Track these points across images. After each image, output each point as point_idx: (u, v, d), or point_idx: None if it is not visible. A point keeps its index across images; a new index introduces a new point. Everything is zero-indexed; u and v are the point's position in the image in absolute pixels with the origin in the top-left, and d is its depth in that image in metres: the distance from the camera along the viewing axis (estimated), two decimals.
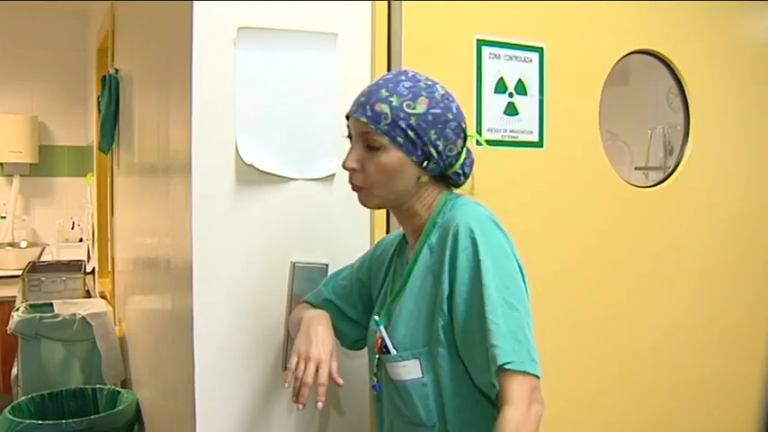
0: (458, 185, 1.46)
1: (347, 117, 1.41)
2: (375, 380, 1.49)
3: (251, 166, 1.66)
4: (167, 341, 2.11)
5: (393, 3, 1.82)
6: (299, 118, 1.71)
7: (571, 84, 2.06)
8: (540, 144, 2.02)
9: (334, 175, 1.73)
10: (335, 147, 1.70)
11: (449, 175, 1.42)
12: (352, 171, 1.40)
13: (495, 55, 1.94)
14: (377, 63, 1.80)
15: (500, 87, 1.95)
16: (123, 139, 3.28)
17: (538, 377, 1.25)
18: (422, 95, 1.34)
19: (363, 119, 1.34)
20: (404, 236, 1.54)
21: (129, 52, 3.05)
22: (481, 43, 1.92)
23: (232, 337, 1.67)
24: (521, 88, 1.99)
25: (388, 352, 1.41)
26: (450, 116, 1.36)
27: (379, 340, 1.43)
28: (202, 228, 1.64)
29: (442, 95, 1.37)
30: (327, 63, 1.74)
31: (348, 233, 1.76)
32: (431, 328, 1.35)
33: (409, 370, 1.38)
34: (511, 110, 1.97)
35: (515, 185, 1.95)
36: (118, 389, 3.06)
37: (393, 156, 1.34)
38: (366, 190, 1.40)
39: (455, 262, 1.31)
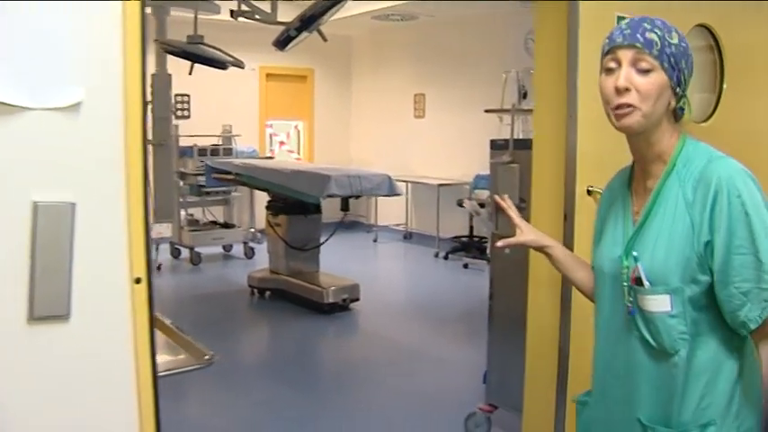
0: (678, 119, 1.70)
1: (609, 50, 1.65)
2: (629, 305, 1.70)
3: None
4: None
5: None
6: (35, 42, 1.53)
7: None
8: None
9: (79, 104, 1.56)
10: (79, 74, 1.54)
11: (676, 109, 1.68)
12: (624, 91, 1.61)
13: None
14: None
15: None
16: None
17: None
18: (673, 31, 1.64)
19: (639, 44, 1.60)
20: (632, 168, 1.80)
21: None
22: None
23: None
24: None
25: (642, 284, 1.65)
26: (690, 51, 1.67)
27: (635, 273, 1.66)
28: None
29: (681, 33, 1.67)
30: None
31: (97, 168, 1.61)
32: (684, 266, 1.61)
33: (659, 303, 1.63)
34: None
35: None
36: None
37: (660, 77, 1.60)
38: (634, 109, 1.61)
39: (720, 213, 1.56)
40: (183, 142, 8.95)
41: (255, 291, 7.22)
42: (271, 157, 10.54)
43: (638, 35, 1.61)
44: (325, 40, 5.95)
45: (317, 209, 6.98)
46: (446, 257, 8.98)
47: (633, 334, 1.70)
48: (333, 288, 6.56)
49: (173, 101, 9.73)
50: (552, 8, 2.87)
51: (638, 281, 1.66)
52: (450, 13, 9.13)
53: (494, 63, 8.40)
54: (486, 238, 8.61)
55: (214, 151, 8.92)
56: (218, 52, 6.72)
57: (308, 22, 5.56)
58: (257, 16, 6.16)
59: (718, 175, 1.58)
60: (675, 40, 1.63)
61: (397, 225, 10.57)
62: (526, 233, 2.02)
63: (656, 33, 1.61)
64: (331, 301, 6.49)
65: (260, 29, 6.58)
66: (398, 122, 10.69)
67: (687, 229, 1.61)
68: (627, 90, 1.61)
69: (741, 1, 3.35)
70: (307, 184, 6.22)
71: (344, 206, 6.56)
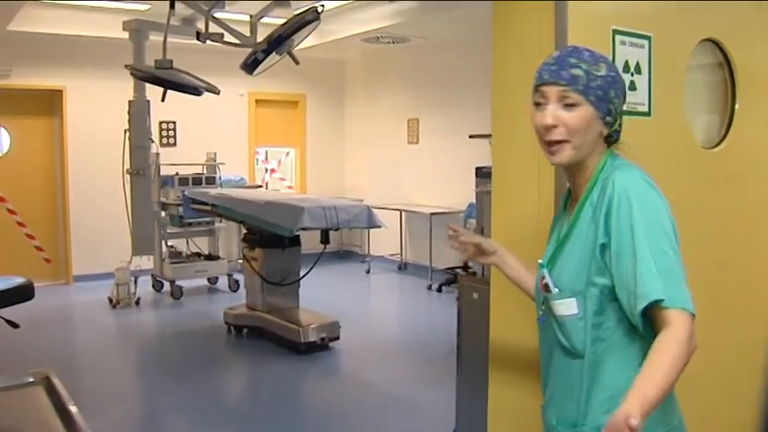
0: (612, 143, 1.80)
1: (537, 87, 1.74)
2: (540, 313, 1.88)
3: None
4: None
5: (558, 3, 2.32)
6: None
7: (665, 65, 2.60)
8: (648, 114, 2.56)
9: None
10: None
11: (611, 134, 1.77)
12: (552, 127, 1.71)
13: (623, 41, 2.45)
14: None
15: (625, 68, 2.45)
16: None
17: (693, 314, 1.56)
18: (601, 62, 1.73)
19: (563, 82, 1.69)
20: (569, 191, 1.89)
21: None
22: (615, 32, 2.43)
23: None
24: (638, 69, 2.50)
25: (551, 291, 1.79)
26: (620, 79, 1.76)
27: (543, 280, 1.81)
28: None
29: (611, 62, 1.78)
30: None
31: None
32: (586, 269, 1.71)
33: (567, 307, 1.75)
34: (632, 86, 2.46)
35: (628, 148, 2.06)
36: None
37: (586, 110, 1.69)
38: (564, 144, 1.71)
39: (610, 214, 1.65)
40: (168, 171, 8.61)
41: (232, 328, 6.82)
42: (260, 186, 10.21)
43: (563, 72, 1.70)
44: (296, 62, 5.60)
45: (295, 241, 6.59)
46: (439, 290, 8.56)
47: (555, 338, 1.81)
48: (311, 326, 6.16)
49: (156, 128, 9.48)
50: (526, 8, 2.50)
51: (547, 287, 1.81)
52: (443, 36, 8.78)
53: (489, 86, 8.01)
54: None
55: (196, 180, 8.57)
56: (189, 77, 6.37)
57: (275, 43, 5.21)
58: (234, 39, 5.82)
59: (614, 181, 1.68)
60: (602, 72, 1.71)
61: (392, 255, 10.16)
62: (482, 239, 2.13)
63: (580, 69, 1.69)
64: (309, 340, 6.08)
65: (272, 57, 6.15)
66: (392, 148, 10.33)
67: (591, 235, 1.72)
68: (555, 126, 1.71)
69: (752, 6, 2.98)
70: (280, 216, 5.84)
71: (324, 238, 6.17)
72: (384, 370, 5.86)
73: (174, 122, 9.75)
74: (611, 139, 1.78)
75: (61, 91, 9.02)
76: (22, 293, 4.02)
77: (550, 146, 1.73)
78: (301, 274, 6.64)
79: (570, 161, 1.74)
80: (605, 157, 1.77)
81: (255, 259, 6.61)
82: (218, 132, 10.01)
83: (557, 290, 1.77)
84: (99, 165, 8.76)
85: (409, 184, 10.03)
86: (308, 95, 10.99)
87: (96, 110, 9.01)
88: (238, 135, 10.36)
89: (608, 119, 1.73)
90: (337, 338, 6.28)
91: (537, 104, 1.75)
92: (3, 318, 6.36)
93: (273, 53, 5.49)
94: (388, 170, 10.45)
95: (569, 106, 1.69)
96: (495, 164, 2.67)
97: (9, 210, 8.96)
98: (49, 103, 9.15)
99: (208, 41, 5.80)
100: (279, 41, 5.19)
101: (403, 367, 5.92)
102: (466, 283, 3.30)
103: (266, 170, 11.04)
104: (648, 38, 2.54)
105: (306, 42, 9.59)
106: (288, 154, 11.17)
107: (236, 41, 5.77)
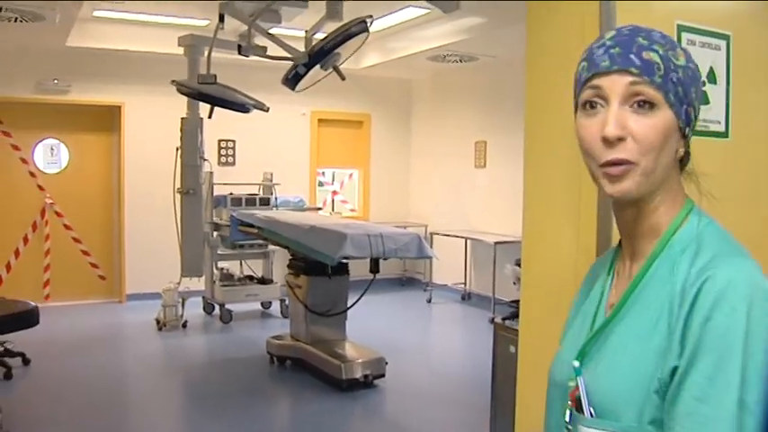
0: (682, 168, 1.20)
1: (588, 80, 1.14)
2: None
3: None
4: None
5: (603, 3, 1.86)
6: None
7: (748, 73, 2.05)
8: (725, 134, 2.04)
9: None
10: None
11: (683, 156, 1.18)
12: (617, 141, 1.10)
13: (692, 41, 1.95)
14: None
15: None
16: None
17: None
18: (677, 46, 1.16)
19: (634, 69, 1.10)
20: (619, 246, 1.27)
21: None
22: (681, 29, 1.92)
23: None
24: (711, 77, 1.99)
25: (582, 410, 1.13)
26: (699, 74, 1.19)
27: (575, 391, 1.15)
28: None
29: (687, 51, 1.17)
30: None
31: None
32: (645, 397, 1.06)
33: None
34: (704, 98, 1.93)
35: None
36: None
37: (666, 116, 1.11)
38: (631, 166, 1.10)
39: (694, 330, 1.02)
40: (223, 190, 8.35)
41: (275, 358, 6.44)
42: (320, 208, 9.88)
43: (632, 55, 1.11)
44: (342, 78, 5.19)
45: (342, 269, 6.18)
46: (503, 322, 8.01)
47: None
48: (354, 362, 5.73)
49: (215, 146, 9.27)
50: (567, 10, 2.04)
51: (579, 404, 1.14)
52: (513, 54, 8.27)
53: None
54: None
55: (249, 201, 8.26)
56: (236, 94, 6.07)
57: (317, 57, 4.84)
58: (284, 54, 5.48)
59: (714, 278, 1.04)
60: (682, 60, 1.14)
61: (456, 284, 9.66)
62: None
63: (656, 52, 1.11)
64: (351, 377, 5.65)
65: (318, 72, 5.81)
66: (458, 172, 9.85)
67: (663, 345, 1.07)
68: (620, 140, 1.10)
69: None
70: (322, 243, 5.44)
71: (374, 267, 5.72)
72: (431, 414, 5.37)
73: (234, 141, 9.53)
74: (682, 163, 1.21)
75: (120, 107, 8.88)
76: (26, 319, 3.70)
77: (610, 167, 1.11)
78: (349, 304, 6.22)
79: (638, 193, 1.13)
80: (687, 208, 1.17)
81: (300, 287, 6.23)
82: (279, 152, 9.74)
83: (592, 412, 1.12)
84: (154, 182, 8.56)
85: (475, 210, 9.53)
86: (373, 115, 10.62)
87: (153, 127, 8.85)
88: (300, 155, 10.07)
89: (687, 131, 1.15)
90: (382, 376, 5.82)
91: (587, 106, 1.15)
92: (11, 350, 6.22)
93: (318, 68, 5.12)
94: (453, 195, 9.98)
95: (643, 108, 1.10)
96: (527, 195, 2.20)
97: (65, 225, 8.87)
98: (108, 119, 9.03)
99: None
100: (321, 55, 4.81)
101: (454, 412, 5.40)
102: (502, 333, 2.82)
103: (327, 192, 10.70)
104: (727, 37, 2.02)
105: (370, 60, 9.32)
106: (351, 176, 10.81)
107: (283, 56, 5.41)
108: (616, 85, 1.11)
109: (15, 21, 6.86)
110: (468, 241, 9.24)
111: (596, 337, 1.18)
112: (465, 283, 9.56)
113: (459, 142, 9.78)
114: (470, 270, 9.53)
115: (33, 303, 3.84)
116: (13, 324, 3.75)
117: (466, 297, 9.55)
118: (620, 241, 1.27)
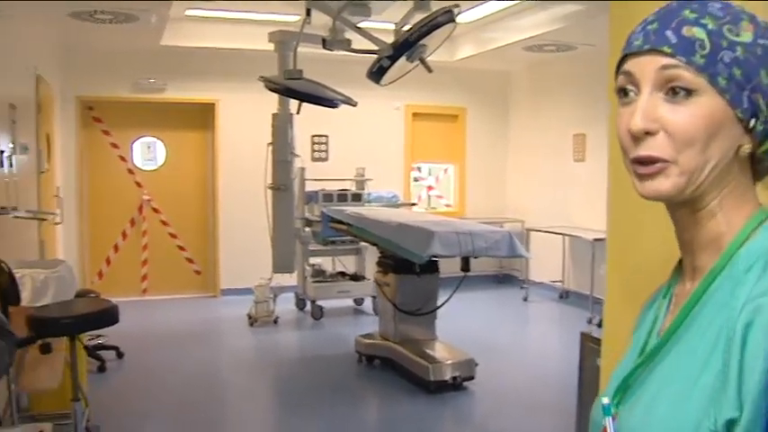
0: (761, 176, 0.98)
1: (622, 60, 0.97)
2: None
3: None
4: None
5: None
6: None
7: None
8: None
9: None
10: None
11: (759, 155, 0.95)
12: (644, 135, 0.92)
13: None
14: None
15: None
16: None
17: None
18: (743, 19, 0.92)
19: (667, 48, 0.91)
20: (679, 263, 1.06)
21: None
22: None
23: None
24: None
25: None
26: None
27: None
28: None
29: (763, 24, 0.94)
30: None
31: None
32: None
33: None
34: None
35: None
36: None
37: (711, 104, 0.89)
38: (665, 165, 0.91)
39: (753, 371, 0.79)
40: (316, 186, 8.31)
41: (363, 357, 6.34)
42: (414, 204, 9.73)
43: (670, 32, 0.91)
44: (429, 70, 5.02)
45: (432, 267, 6.00)
46: (599, 325, 7.66)
47: None
48: (443, 363, 5.56)
49: (308, 142, 9.25)
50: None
51: None
52: None
53: None
54: None
55: (341, 197, 8.19)
56: (323, 89, 5.98)
57: (401, 49, 4.67)
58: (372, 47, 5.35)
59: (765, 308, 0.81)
60: (747, 37, 0.91)
61: (553, 282, 9.34)
62: None
63: (702, 27, 0.90)
64: (439, 378, 5.48)
65: (405, 65, 5.70)
66: (557, 166, 9.51)
67: (715, 385, 0.84)
68: (649, 134, 0.91)
69: None
70: (410, 241, 5.29)
71: (465, 266, 5.54)
72: (521, 420, 5.15)
73: (327, 136, 9.49)
74: (761, 165, 0.97)
75: (214, 104, 8.98)
76: (106, 318, 3.70)
77: (640, 165, 0.94)
78: (439, 303, 6.04)
79: (676, 195, 0.94)
80: (757, 218, 0.95)
81: (388, 285, 6.10)
82: (373, 147, 9.64)
83: None
84: (247, 178, 8.60)
85: (573, 206, 9.18)
86: (469, 108, 10.39)
87: (246, 123, 8.90)
88: (394, 150, 9.94)
89: (755, 124, 0.92)
90: (472, 378, 5.63)
91: (621, 94, 0.97)
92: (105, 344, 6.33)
93: (405, 61, 4.96)
94: (551, 189, 9.65)
95: (678, 96, 0.91)
96: (612, 195, 1.99)
97: (162, 221, 9.02)
98: (203, 116, 9.14)
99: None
100: (405, 47, 4.65)
101: (545, 418, 5.16)
102: (589, 344, 2.59)
103: (421, 187, 10.54)
104: None
105: (465, 52, 9.09)
106: (446, 170, 10.62)
107: (368, 49, 5.28)
108: (646, 68, 0.93)
109: (110, 22, 6.99)
110: (566, 238, 8.91)
111: (640, 368, 0.99)
112: (563, 281, 9.23)
113: (558, 135, 9.45)
114: (568, 268, 9.19)
115: (113, 301, 3.82)
116: (92, 323, 3.75)
117: (564, 296, 9.23)
118: (680, 259, 1.06)
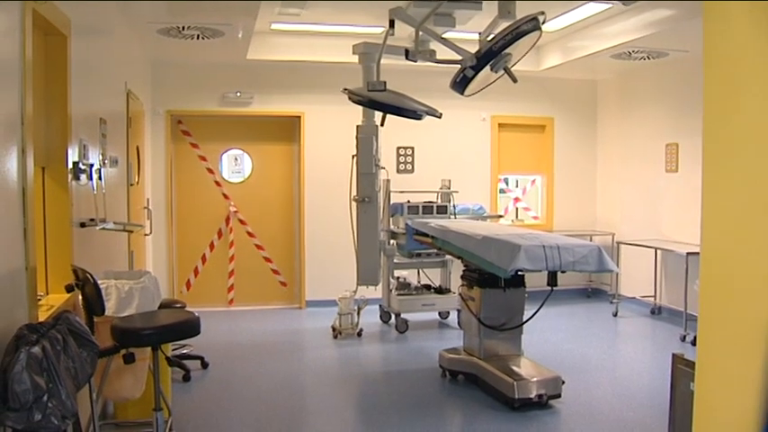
0: None
1: None
2: None
3: None
4: None
5: None
6: None
7: None
8: None
9: None
10: None
11: None
12: None
13: None
14: None
15: None
16: None
17: None
18: None
19: None
20: None
21: None
22: None
23: None
24: None
25: None
26: None
27: None
28: None
29: None
30: None
31: None
32: None
33: None
34: None
35: None
36: None
37: None
38: None
39: None
40: (401, 198, 8.28)
41: (447, 372, 6.24)
42: (501, 216, 9.58)
43: None
44: (514, 80, 4.92)
45: (518, 281, 5.87)
46: (694, 343, 7.36)
47: None
48: (528, 381, 5.42)
49: (394, 153, 9.22)
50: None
51: None
52: None
53: None
54: None
55: (427, 209, 8.12)
56: (407, 100, 5.94)
57: (484, 59, 4.59)
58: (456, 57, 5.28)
59: None
60: None
61: (645, 297, 9.04)
62: None
63: None
64: (524, 396, 5.34)
65: (490, 75, 5.61)
66: (648, 177, 9.21)
67: None
68: None
69: None
70: (494, 254, 5.17)
71: (552, 280, 5.40)
72: None
73: (412, 148, 9.45)
74: None
75: (299, 117, 9.05)
76: (188, 330, 3.73)
77: None
78: (525, 318, 5.90)
79: None
80: None
81: (473, 299, 5.99)
82: (459, 158, 9.56)
83: None
84: (332, 190, 8.65)
85: (666, 218, 8.86)
86: (556, 119, 10.18)
87: (331, 135, 8.95)
88: (480, 161, 9.83)
89: None
90: (558, 396, 5.46)
91: None
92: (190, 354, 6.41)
93: (489, 70, 4.87)
94: (642, 201, 9.35)
95: None
96: (706, 208, 1.87)
97: (248, 233, 9.14)
98: (288, 128, 9.23)
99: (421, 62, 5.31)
100: (489, 56, 4.56)
101: None
102: (681, 366, 2.45)
103: (508, 199, 10.37)
104: None
105: (551, 61, 8.91)
106: (533, 182, 10.42)
107: (451, 59, 5.21)
108: None
109: (198, 38, 7.13)
110: (658, 251, 8.61)
111: None
112: (655, 297, 8.92)
113: (649, 145, 9.15)
114: (661, 282, 8.88)
115: (198, 312, 3.85)
116: (174, 334, 3.79)
117: (656, 311, 8.91)
118: None
